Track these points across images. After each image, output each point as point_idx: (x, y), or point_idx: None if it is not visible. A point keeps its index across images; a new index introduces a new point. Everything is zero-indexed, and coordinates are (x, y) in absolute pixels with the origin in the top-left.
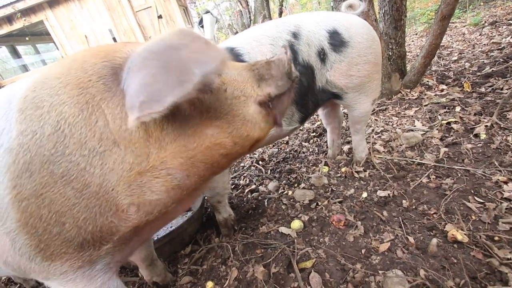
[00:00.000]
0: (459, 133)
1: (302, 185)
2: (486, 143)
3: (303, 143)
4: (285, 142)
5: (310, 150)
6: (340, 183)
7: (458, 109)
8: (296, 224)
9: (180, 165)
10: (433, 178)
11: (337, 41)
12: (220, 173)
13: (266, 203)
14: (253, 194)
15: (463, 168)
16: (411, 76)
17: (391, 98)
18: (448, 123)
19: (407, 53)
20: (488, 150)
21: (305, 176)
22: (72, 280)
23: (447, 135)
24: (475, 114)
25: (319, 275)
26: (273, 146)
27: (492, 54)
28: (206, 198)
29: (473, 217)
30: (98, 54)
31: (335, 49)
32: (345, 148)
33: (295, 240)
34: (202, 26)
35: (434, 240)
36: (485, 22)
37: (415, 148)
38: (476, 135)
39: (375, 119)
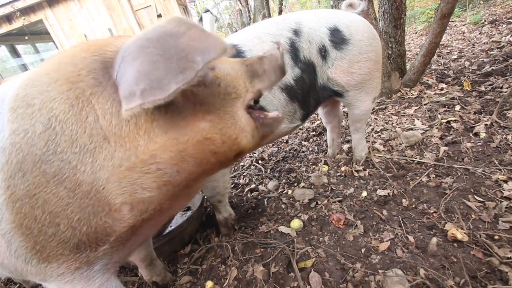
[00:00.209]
0: (458, 132)
1: (302, 184)
2: (486, 142)
3: (302, 142)
4: (284, 141)
5: (310, 149)
6: (340, 182)
7: (457, 108)
8: (296, 223)
9: (170, 159)
10: (433, 177)
11: (338, 38)
12: (207, 175)
13: (265, 202)
14: (252, 193)
15: (463, 167)
16: (410, 75)
17: (390, 97)
18: (448, 122)
19: (406, 52)
20: (488, 149)
21: (305, 175)
22: (70, 281)
23: (446, 134)
24: (475, 113)
25: (319, 274)
26: (273, 145)
27: (491, 52)
28: (205, 197)
29: (473, 216)
30: (89, 48)
31: (336, 47)
32: (345, 147)
33: (295, 240)
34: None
35: (434, 239)
36: (485, 20)
37: (415, 147)
38: (476, 134)
39: (375, 118)
